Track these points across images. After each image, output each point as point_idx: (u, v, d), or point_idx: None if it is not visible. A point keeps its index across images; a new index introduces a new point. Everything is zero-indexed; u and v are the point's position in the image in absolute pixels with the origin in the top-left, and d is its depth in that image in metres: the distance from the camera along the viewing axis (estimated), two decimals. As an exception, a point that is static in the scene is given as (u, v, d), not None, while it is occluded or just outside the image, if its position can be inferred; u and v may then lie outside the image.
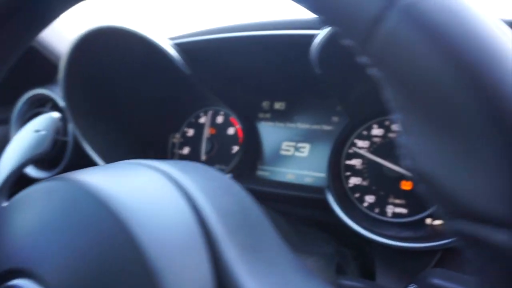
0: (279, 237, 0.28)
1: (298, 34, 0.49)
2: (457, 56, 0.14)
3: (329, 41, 0.43)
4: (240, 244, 0.24)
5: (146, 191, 0.25)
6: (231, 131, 0.77)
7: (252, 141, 0.74)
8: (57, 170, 0.76)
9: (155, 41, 0.57)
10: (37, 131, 0.51)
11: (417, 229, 0.54)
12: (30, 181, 0.75)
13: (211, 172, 0.33)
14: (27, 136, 0.51)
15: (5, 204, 0.52)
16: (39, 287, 0.22)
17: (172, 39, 0.61)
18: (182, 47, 0.59)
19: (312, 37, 0.46)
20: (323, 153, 0.68)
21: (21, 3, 0.29)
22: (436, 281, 0.31)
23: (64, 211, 0.23)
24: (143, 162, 0.30)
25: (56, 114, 0.51)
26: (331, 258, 0.53)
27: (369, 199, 0.62)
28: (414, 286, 0.34)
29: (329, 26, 0.18)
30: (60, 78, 0.64)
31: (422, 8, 0.15)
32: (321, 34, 0.43)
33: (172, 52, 0.58)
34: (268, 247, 0.26)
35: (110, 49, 0.63)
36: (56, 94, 0.77)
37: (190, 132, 0.82)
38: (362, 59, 0.18)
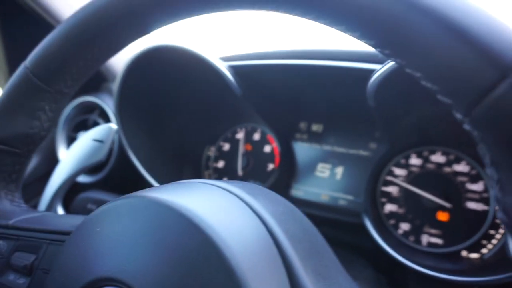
0: (342, 266, 0.30)
1: (354, 67, 0.51)
2: None
3: (388, 78, 0.45)
4: (312, 271, 0.26)
5: (224, 211, 0.27)
6: (267, 148, 0.80)
7: (288, 160, 0.76)
8: (100, 175, 0.80)
9: (211, 62, 0.60)
10: (95, 140, 0.54)
11: (455, 261, 0.55)
12: (74, 184, 0.79)
13: (275, 196, 0.34)
14: (86, 145, 0.54)
15: (59, 208, 0.55)
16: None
17: (224, 59, 0.64)
18: (235, 70, 0.62)
19: (366, 71, 0.48)
20: (359, 178, 0.69)
21: (98, 35, 0.32)
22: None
23: (154, 228, 0.25)
24: (210, 181, 0.32)
25: (114, 126, 0.54)
26: (373, 283, 0.54)
27: (405, 226, 0.62)
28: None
29: (427, 84, 0.20)
30: (114, 92, 0.68)
31: None
32: (381, 70, 0.45)
33: (228, 74, 0.61)
34: (335, 275, 0.28)
35: (165, 67, 0.67)
36: (103, 101, 0.81)
37: (226, 146, 0.85)
38: (458, 116, 0.20)
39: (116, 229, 0.27)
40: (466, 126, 0.19)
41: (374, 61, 0.49)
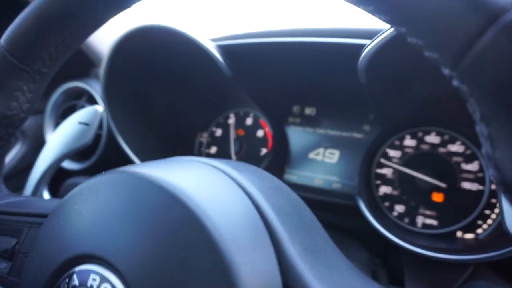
0: (331, 240, 0.29)
1: (345, 43, 0.49)
2: None
3: (378, 52, 0.43)
4: (300, 244, 0.25)
5: (210, 186, 0.25)
6: (260, 133, 0.78)
7: (281, 145, 0.74)
8: (89, 162, 0.78)
9: (199, 41, 0.58)
10: (81, 123, 0.53)
11: (450, 241, 0.54)
12: (61, 171, 0.77)
13: (262, 172, 0.33)
14: (71, 128, 0.53)
15: (45, 192, 0.53)
16: (109, 272, 0.23)
17: (214, 40, 0.62)
18: (224, 49, 0.60)
19: (358, 47, 0.47)
20: (353, 161, 0.68)
21: (74, 10, 0.30)
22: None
23: (135, 203, 0.24)
24: (198, 159, 0.31)
25: (100, 108, 0.53)
26: (367, 264, 0.53)
27: (399, 208, 0.62)
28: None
29: (410, 39, 0.19)
30: (101, 74, 0.66)
31: None
32: (371, 44, 0.44)
33: (216, 53, 0.59)
34: (324, 249, 0.27)
35: (152, 48, 0.65)
36: (91, 87, 0.79)
37: (218, 132, 0.83)
38: (445, 72, 0.19)
39: (95, 206, 0.26)
40: (455, 82, 0.18)
41: (365, 37, 0.48)
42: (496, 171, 0.17)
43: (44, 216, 0.36)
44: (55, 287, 0.25)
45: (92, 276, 0.23)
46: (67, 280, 0.24)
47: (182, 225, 0.22)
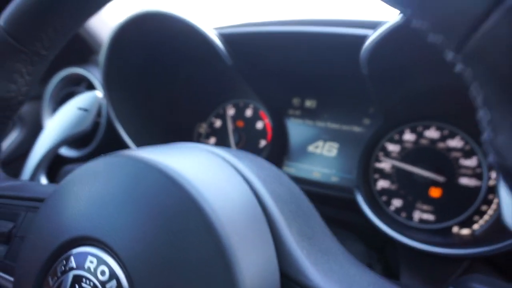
0: (328, 229, 0.29)
1: (349, 33, 0.49)
2: None
3: (381, 43, 0.43)
4: (298, 231, 0.25)
5: (208, 171, 0.25)
6: (260, 125, 0.78)
7: (280, 137, 0.74)
8: (87, 149, 0.78)
9: (200, 29, 0.57)
10: (80, 108, 0.52)
11: (445, 236, 0.54)
12: (59, 159, 0.77)
13: (261, 161, 0.33)
14: (70, 113, 0.52)
15: (43, 178, 0.53)
16: (106, 254, 0.23)
17: (216, 29, 0.61)
18: (226, 38, 0.60)
19: (361, 37, 0.46)
20: (352, 154, 0.68)
21: None
22: (477, 286, 0.31)
23: (133, 186, 0.24)
24: (198, 145, 0.31)
25: (100, 94, 0.52)
26: (363, 258, 0.53)
27: (397, 203, 0.62)
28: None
29: (415, 21, 0.19)
30: (100, 60, 0.66)
31: None
32: (374, 34, 0.44)
33: (217, 41, 0.58)
34: (322, 237, 0.27)
35: (153, 34, 0.64)
36: (91, 74, 0.78)
37: (217, 123, 0.83)
38: (449, 55, 0.19)
39: (93, 189, 0.26)
40: (459, 66, 0.17)
41: (367, 28, 0.48)
42: (497, 156, 0.17)
43: (41, 200, 0.36)
44: (52, 269, 0.25)
45: (90, 258, 0.23)
46: (64, 262, 0.24)
47: (180, 208, 0.22)
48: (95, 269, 0.22)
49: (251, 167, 0.29)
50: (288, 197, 0.28)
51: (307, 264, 0.23)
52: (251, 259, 0.21)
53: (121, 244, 0.22)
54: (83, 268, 0.23)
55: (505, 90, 0.16)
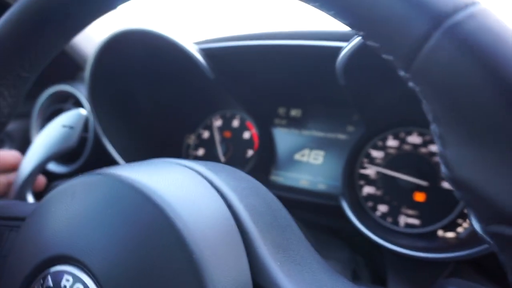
0: (305, 239, 0.30)
1: (324, 45, 0.50)
2: (499, 74, 0.15)
3: (355, 54, 0.44)
4: (272, 243, 0.26)
5: (183, 187, 0.26)
6: (246, 135, 0.79)
7: (267, 146, 0.75)
8: (75, 165, 0.78)
9: (182, 45, 0.58)
10: (65, 126, 0.53)
11: (430, 240, 0.55)
12: (48, 175, 0.77)
13: (239, 173, 0.34)
14: (55, 131, 0.53)
15: (30, 196, 0.53)
16: (82, 273, 0.23)
17: (197, 43, 0.62)
18: (207, 52, 0.61)
19: (337, 49, 0.47)
20: (337, 161, 0.69)
21: (54, 15, 0.30)
22: (453, 290, 0.31)
23: (109, 204, 0.25)
24: (175, 160, 0.32)
25: (84, 111, 0.53)
26: (347, 263, 0.54)
27: (382, 208, 0.62)
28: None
29: (368, 42, 0.20)
30: (86, 77, 0.66)
31: (466, 28, 0.16)
32: (348, 47, 0.45)
33: (198, 56, 0.59)
34: (297, 247, 0.27)
35: (136, 51, 0.65)
36: (78, 91, 0.79)
37: (205, 134, 0.84)
38: (401, 73, 0.19)
39: (70, 208, 0.26)
40: (410, 84, 0.18)
41: (343, 40, 0.49)
42: (446, 168, 0.18)
43: (23, 219, 0.36)
44: (30, 288, 0.25)
45: (66, 276, 0.23)
46: (41, 281, 0.24)
47: (153, 225, 0.23)
48: (71, 287, 0.23)
49: (228, 181, 0.30)
50: (264, 209, 0.29)
51: (281, 275, 0.23)
52: (223, 272, 0.22)
53: (96, 262, 0.23)
54: (59, 287, 0.23)
55: (450, 108, 0.17)
